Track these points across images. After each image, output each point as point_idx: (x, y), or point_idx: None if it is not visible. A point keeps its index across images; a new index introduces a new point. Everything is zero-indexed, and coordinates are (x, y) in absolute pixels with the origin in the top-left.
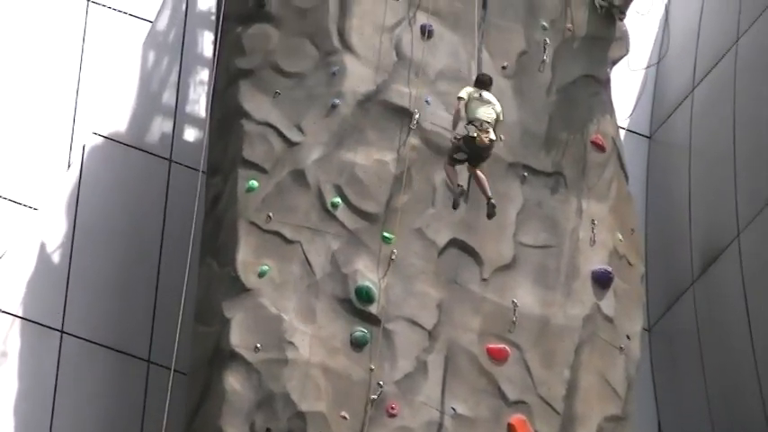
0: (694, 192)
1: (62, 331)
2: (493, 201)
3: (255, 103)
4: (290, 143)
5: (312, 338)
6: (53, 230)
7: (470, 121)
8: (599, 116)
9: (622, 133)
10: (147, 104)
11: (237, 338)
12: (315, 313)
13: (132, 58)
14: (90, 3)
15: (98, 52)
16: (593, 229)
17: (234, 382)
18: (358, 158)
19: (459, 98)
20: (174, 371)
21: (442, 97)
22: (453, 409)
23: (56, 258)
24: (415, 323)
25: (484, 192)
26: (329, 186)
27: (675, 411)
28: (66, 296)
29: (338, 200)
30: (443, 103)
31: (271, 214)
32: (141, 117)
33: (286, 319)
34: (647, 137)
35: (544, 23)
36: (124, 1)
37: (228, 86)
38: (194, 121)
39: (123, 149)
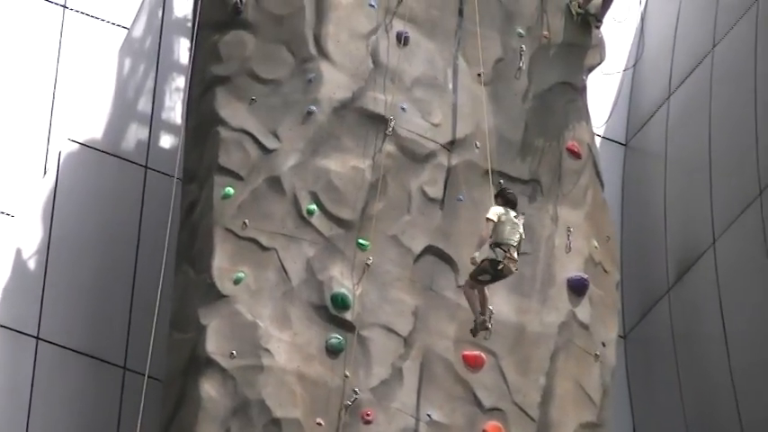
0: (670, 199)
1: (38, 338)
2: (489, 325)
3: (231, 110)
4: (266, 150)
5: (288, 345)
6: (29, 237)
7: (498, 244)
8: (575, 123)
9: (598, 140)
10: (122, 111)
11: (213, 345)
12: (290, 320)
13: (108, 65)
14: (66, 9)
15: (74, 59)
16: (568, 236)
17: (209, 388)
18: (334, 165)
19: (489, 220)
20: (150, 377)
21: (418, 104)
22: (429, 415)
23: (31, 265)
24: (390, 330)
25: (483, 310)
26: (305, 193)
27: (651, 418)
28: (41, 302)
29: (314, 207)
30: (419, 110)
31: (246, 221)
32: (117, 124)
33: (262, 325)
34: (622, 144)
35: (520, 31)
36: (100, 7)
37: (204, 93)
38: (170, 127)
39: (99, 156)
